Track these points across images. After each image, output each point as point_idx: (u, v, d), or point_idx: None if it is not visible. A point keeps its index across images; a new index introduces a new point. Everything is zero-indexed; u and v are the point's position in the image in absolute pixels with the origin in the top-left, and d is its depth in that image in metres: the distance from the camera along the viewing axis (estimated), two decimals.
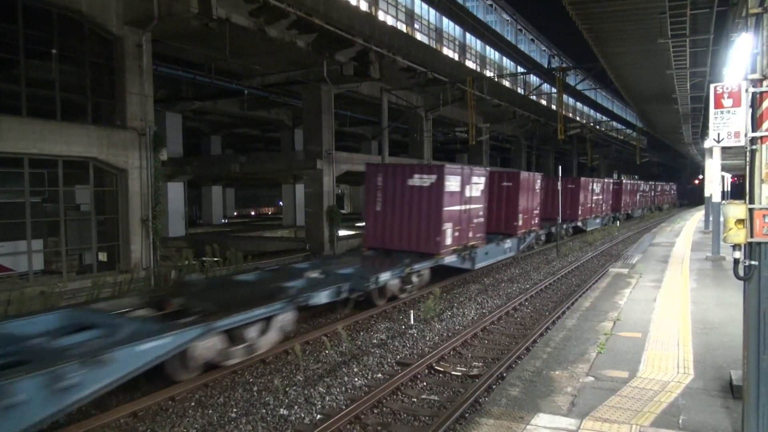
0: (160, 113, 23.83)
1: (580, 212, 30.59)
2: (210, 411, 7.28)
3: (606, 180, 37.18)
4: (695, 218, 38.52)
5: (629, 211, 44.90)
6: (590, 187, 32.48)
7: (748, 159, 4.73)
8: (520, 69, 39.17)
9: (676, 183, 79.06)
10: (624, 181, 43.25)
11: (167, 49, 17.63)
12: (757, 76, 4.61)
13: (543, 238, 25.73)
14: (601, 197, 34.89)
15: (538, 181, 22.52)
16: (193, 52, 18.51)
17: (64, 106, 13.66)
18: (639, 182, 51.14)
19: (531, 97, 37.04)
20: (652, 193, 57.18)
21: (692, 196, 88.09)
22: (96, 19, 13.75)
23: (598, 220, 34.60)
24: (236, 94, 24.34)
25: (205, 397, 7.77)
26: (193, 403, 7.54)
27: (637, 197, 48.57)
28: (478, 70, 33.63)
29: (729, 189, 27.48)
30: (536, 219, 22.38)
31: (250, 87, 22.78)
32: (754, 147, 4.67)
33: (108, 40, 14.33)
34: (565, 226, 28.88)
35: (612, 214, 39.10)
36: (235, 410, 7.32)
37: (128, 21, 14.21)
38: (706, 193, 22.33)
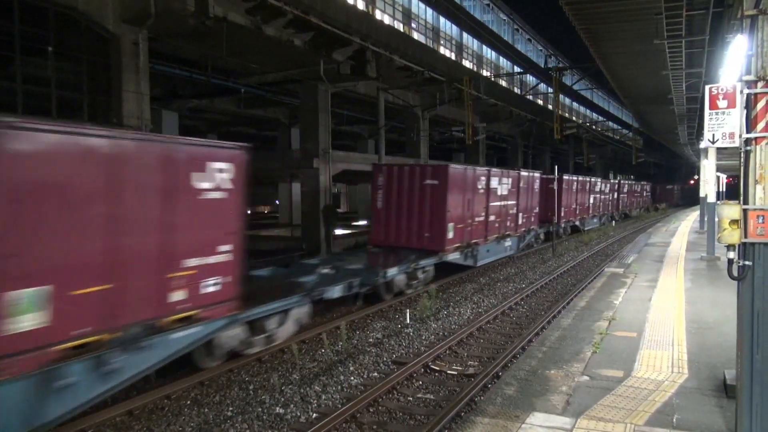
0: (157, 111, 23.74)
1: (452, 235, 15.29)
2: (206, 409, 7.29)
3: (526, 173, 21.74)
4: (690, 218, 38.65)
5: (576, 222, 31.47)
6: (484, 185, 17.48)
7: (742, 160, 4.77)
8: (516, 69, 39.23)
9: (651, 182, 66.84)
10: (566, 177, 29.11)
11: (164, 47, 17.58)
12: (751, 77, 4.64)
13: (290, 326, 9.95)
14: (514, 203, 20.05)
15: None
16: (190, 50, 18.46)
17: (60, 103, 13.60)
18: (594, 180, 35.88)
19: (528, 96, 37.10)
20: (614, 195, 42.77)
21: (670, 198, 75.13)
22: (92, 16, 13.69)
23: (508, 243, 19.84)
24: (233, 93, 24.27)
25: (201, 395, 7.77)
26: (188, 402, 7.54)
27: (591, 201, 34.32)
28: (475, 69, 33.67)
29: (724, 189, 27.52)
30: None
31: (246, 85, 22.73)
32: (748, 148, 4.70)
33: (104, 38, 14.27)
34: (394, 272, 13.15)
35: (540, 229, 25.17)
36: (231, 409, 7.32)
37: (125, 19, 14.16)
38: (701, 194, 22.41)
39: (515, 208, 20.21)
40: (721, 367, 7.00)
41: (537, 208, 22.78)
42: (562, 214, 28.24)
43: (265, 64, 20.25)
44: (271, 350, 9.39)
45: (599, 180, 37.61)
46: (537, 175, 22.94)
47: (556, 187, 25.77)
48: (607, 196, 39.77)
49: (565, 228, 30.15)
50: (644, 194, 58.09)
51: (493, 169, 18.67)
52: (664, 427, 5.49)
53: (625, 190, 47.15)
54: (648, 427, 5.50)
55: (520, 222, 20.66)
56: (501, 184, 18.92)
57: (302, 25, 17.13)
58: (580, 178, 32.39)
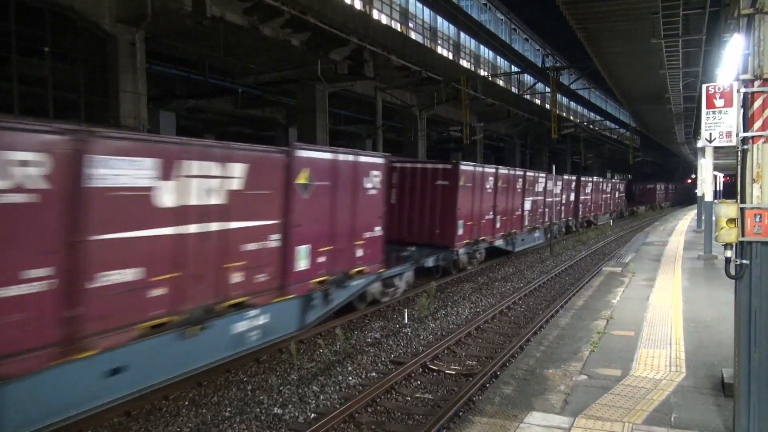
0: (154, 111, 23.69)
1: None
2: (204, 410, 7.28)
3: (329, 156, 9.88)
4: (688, 218, 38.72)
5: (496, 240, 19.30)
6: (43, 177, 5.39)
7: (739, 159, 4.77)
8: (514, 68, 39.28)
9: (626, 179, 56.08)
10: (467, 167, 16.89)
11: (161, 47, 17.55)
12: (748, 76, 4.65)
13: None
14: (257, 226, 8.11)
15: None
16: (187, 50, 18.44)
17: (57, 104, 13.59)
18: (531, 175, 22.96)
19: (525, 96, 37.15)
20: (569, 197, 30.62)
21: (650, 199, 62.71)
22: (89, 16, 13.66)
23: (243, 325, 7.89)
24: (230, 93, 24.26)
25: (199, 396, 7.75)
26: (186, 402, 7.53)
27: (526, 207, 22.14)
28: (473, 69, 33.69)
29: (721, 188, 27.36)
30: None
31: (244, 85, 22.71)
32: (745, 147, 4.71)
33: (101, 38, 14.24)
34: None
35: (399, 267, 13.29)
36: (229, 409, 7.31)
37: (121, 19, 14.13)
38: (699, 193, 22.46)
39: (276, 236, 8.54)
40: (719, 366, 7.01)
41: (378, 228, 11.63)
42: (461, 232, 16.18)
43: (262, 64, 20.24)
44: (269, 350, 9.38)
45: (541, 175, 24.63)
46: (372, 160, 11.59)
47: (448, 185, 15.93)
48: (558, 199, 27.58)
49: (473, 254, 18.03)
50: (616, 195, 45.77)
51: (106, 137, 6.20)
52: (662, 426, 5.49)
53: (589, 189, 35.10)
54: (646, 425, 5.50)
55: (301, 266, 9.13)
56: (177, 177, 6.95)
57: (299, 25, 17.12)
58: (503, 172, 19.69)
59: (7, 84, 13.00)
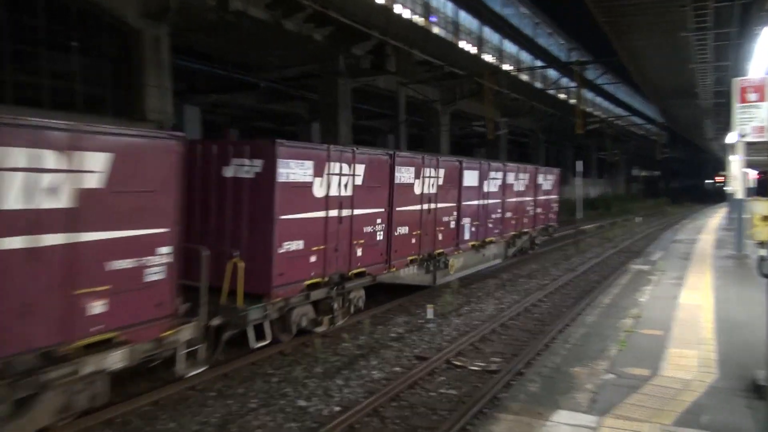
0: (179, 106, 23.97)
1: None
2: (230, 401, 7.35)
3: None
4: (718, 215, 37.94)
5: None
6: None
7: None
8: (537, 63, 38.86)
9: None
10: None
11: (182, 41, 17.73)
12: None
13: None
14: None
15: None
16: (209, 45, 18.60)
17: (84, 98, 13.81)
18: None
19: (549, 91, 36.72)
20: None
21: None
22: (113, 11, 13.85)
23: None
24: (253, 88, 24.42)
25: (225, 387, 7.83)
26: (213, 393, 7.61)
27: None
28: (496, 63, 33.39)
29: (756, 186, 26.59)
30: None
31: (267, 80, 22.85)
32: None
33: (126, 33, 14.43)
34: None
35: None
36: (254, 401, 7.37)
37: (145, 14, 14.28)
38: (729, 190, 21.97)
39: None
40: (752, 368, 6.84)
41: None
42: None
43: (284, 58, 20.34)
44: (293, 343, 9.43)
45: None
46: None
47: None
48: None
49: None
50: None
51: None
52: (692, 428, 5.38)
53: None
54: (675, 427, 5.40)
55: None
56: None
57: (322, 20, 17.15)
58: None
59: (36, 78, 13.22)
